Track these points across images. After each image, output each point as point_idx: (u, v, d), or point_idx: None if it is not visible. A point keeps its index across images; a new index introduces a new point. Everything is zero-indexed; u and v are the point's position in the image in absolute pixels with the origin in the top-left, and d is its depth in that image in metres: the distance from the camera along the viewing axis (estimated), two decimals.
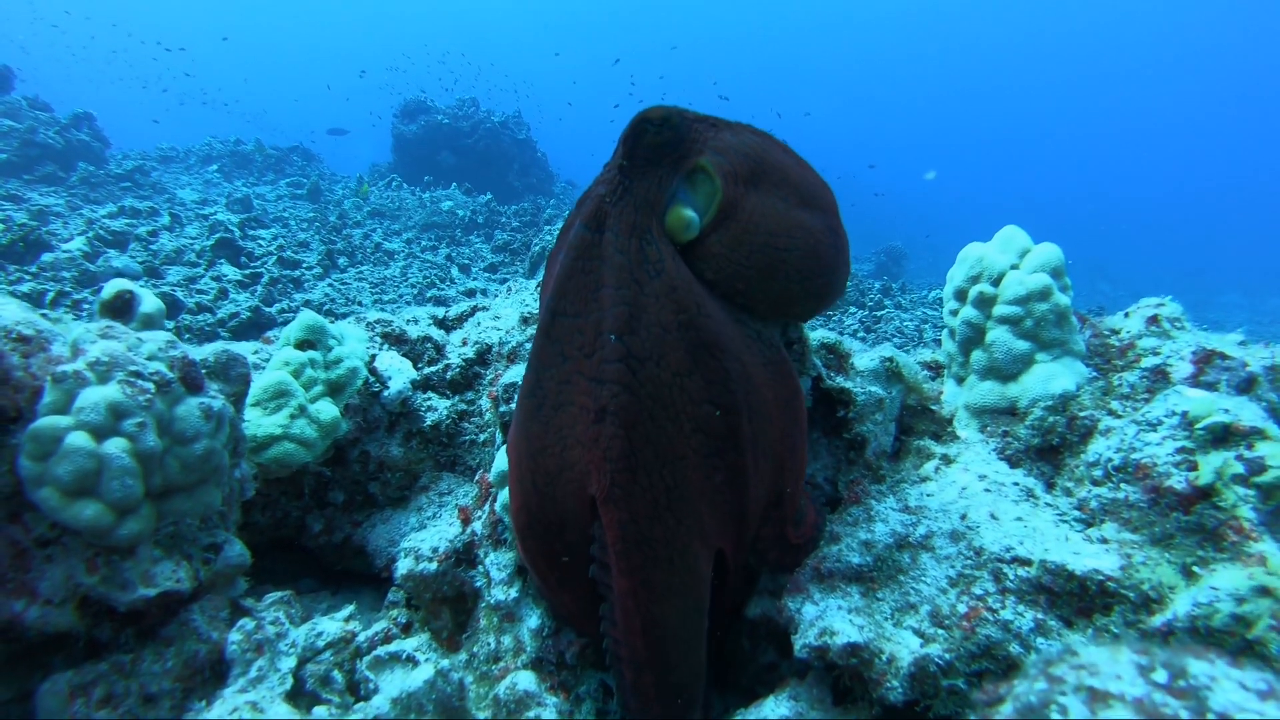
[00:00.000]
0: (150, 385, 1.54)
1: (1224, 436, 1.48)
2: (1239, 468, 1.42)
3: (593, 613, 1.51)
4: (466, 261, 10.14)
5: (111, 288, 1.89)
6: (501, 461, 1.58)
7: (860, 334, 8.21)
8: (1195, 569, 1.38)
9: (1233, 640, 1.24)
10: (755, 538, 1.62)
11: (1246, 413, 1.50)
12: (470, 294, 8.57)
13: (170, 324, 6.42)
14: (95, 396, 1.45)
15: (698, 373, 1.50)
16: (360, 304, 7.83)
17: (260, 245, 8.85)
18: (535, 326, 2.51)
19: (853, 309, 9.29)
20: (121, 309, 1.89)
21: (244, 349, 2.48)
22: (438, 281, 9.03)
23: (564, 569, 1.53)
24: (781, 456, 1.60)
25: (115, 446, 1.45)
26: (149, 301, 1.92)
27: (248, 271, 7.80)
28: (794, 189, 1.70)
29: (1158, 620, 1.33)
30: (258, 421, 2.03)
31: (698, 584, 1.52)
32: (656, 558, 1.46)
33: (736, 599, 1.73)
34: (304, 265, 8.62)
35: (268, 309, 6.90)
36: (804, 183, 1.73)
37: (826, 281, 1.70)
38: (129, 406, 1.49)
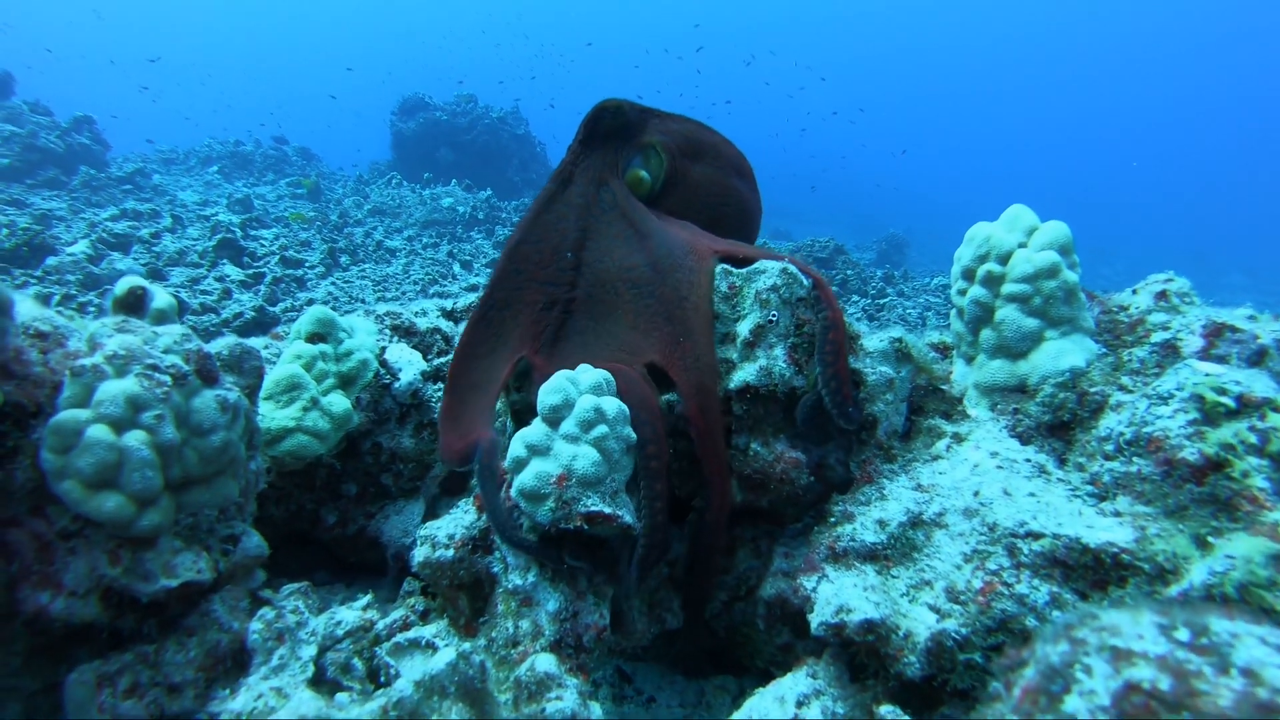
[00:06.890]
0: (167, 378, 1.55)
1: (1236, 408, 1.48)
2: (1252, 438, 1.43)
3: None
4: (468, 258, 10.13)
5: (124, 284, 1.89)
6: (515, 448, 1.59)
7: (864, 321, 8.20)
8: (1210, 539, 1.38)
9: (1249, 607, 1.25)
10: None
11: (1259, 384, 1.50)
12: (473, 290, 8.57)
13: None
14: (114, 389, 1.46)
15: (638, 253, 1.87)
16: (363, 302, 7.83)
17: (262, 245, 8.85)
18: None
19: (855, 297, 9.29)
20: (134, 305, 1.89)
21: (254, 344, 2.49)
22: (440, 278, 9.03)
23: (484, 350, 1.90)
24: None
25: (135, 439, 1.46)
26: (161, 298, 1.93)
27: (250, 271, 7.81)
28: (726, 162, 2.24)
29: (1174, 590, 1.34)
30: (271, 415, 2.04)
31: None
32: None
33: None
34: (306, 264, 8.62)
35: (271, 308, 6.91)
36: (732, 157, 2.27)
37: (751, 231, 2.34)
38: (147, 399, 1.50)
